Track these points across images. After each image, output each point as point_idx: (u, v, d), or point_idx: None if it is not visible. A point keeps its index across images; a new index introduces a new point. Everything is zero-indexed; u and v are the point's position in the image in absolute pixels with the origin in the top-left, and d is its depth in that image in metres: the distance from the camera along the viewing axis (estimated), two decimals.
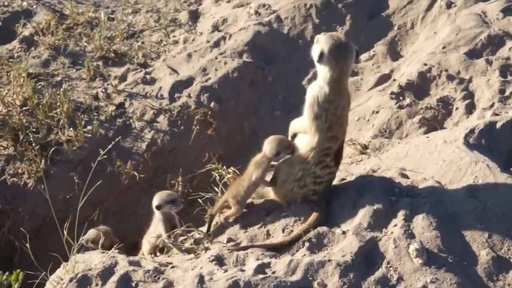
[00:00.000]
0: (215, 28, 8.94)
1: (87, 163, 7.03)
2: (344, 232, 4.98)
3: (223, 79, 8.06)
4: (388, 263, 4.75)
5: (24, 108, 7.58)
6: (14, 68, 7.97)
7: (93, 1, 9.70)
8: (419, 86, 7.53)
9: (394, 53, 8.48)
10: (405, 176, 5.68)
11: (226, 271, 4.74)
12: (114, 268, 4.92)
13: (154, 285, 4.72)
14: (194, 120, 7.74)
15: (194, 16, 9.34)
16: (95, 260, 5.04)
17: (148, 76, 8.21)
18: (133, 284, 4.76)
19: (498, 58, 7.58)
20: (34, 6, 9.33)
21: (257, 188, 5.44)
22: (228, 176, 5.87)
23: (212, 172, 5.98)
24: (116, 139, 6.89)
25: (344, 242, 4.88)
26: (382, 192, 5.26)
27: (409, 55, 8.30)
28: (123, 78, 8.22)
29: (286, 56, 8.50)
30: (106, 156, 6.14)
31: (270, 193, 5.49)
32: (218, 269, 4.76)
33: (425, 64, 7.68)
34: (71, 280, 4.80)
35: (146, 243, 5.77)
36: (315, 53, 5.08)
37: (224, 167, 5.98)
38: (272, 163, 5.41)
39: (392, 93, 7.47)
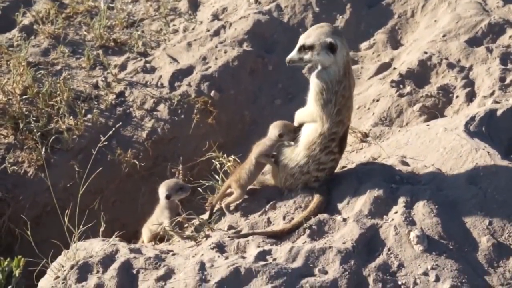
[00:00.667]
0: (215, 17, 8.92)
1: (87, 152, 7.04)
2: (344, 219, 4.99)
3: (223, 68, 8.05)
4: (389, 250, 4.76)
5: (24, 97, 7.57)
6: (14, 56, 7.95)
7: None
8: (420, 74, 7.53)
9: (395, 42, 8.46)
10: (405, 163, 5.68)
11: (227, 258, 4.75)
12: (115, 255, 4.93)
13: (155, 272, 4.73)
14: (194, 109, 7.73)
15: (194, 5, 9.31)
16: (96, 247, 5.05)
17: (148, 65, 8.19)
18: (134, 272, 4.77)
19: (498, 46, 7.58)
20: None
21: (260, 171, 5.44)
22: (229, 164, 5.87)
23: (213, 161, 5.98)
24: (117, 125, 6.89)
25: (345, 229, 4.89)
26: (383, 179, 5.27)
27: (409, 43, 8.28)
28: (123, 67, 8.21)
29: (286, 45, 8.44)
30: (106, 143, 6.14)
31: (271, 180, 5.49)
32: (219, 256, 4.77)
33: (426, 52, 7.67)
34: (72, 268, 4.82)
35: (147, 231, 5.77)
36: (324, 50, 5.05)
37: (225, 155, 5.98)
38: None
39: (392, 81, 7.46)
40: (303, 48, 5.11)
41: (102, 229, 5.33)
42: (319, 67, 5.13)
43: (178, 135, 7.66)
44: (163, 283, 4.64)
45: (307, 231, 4.95)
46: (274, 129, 5.38)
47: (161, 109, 7.73)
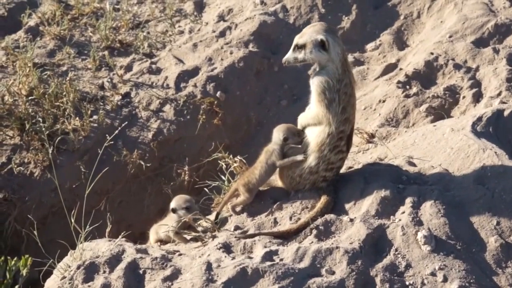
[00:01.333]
0: (221, 18, 8.92)
1: (93, 153, 7.04)
2: (351, 220, 4.97)
3: (229, 68, 8.04)
4: (396, 250, 4.74)
5: (30, 98, 7.58)
6: (20, 58, 7.96)
7: None
8: (426, 75, 7.51)
9: (401, 43, 8.45)
10: (412, 164, 5.66)
11: (233, 258, 4.74)
12: (121, 255, 4.92)
13: (162, 272, 4.72)
14: (200, 110, 7.73)
15: (200, 6, 9.32)
16: (102, 247, 5.05)
17: (153, 66, 8.20)
18: (141, 272, 4.77)
19: (505, 47, 7.56)
20: None
21: (270, 176, 5.40)
22: (235, 165, 5.86)
23: (219, 161, 5.98)
24: (123, 125, 6.90)
25: (352, 230, 4.87)
26: (390, 179, 5.25)
27: (416, 44, 8.27)
28: (128, 68, 8.22)
29: None
30: (112, 144, 6.14)
31: (278, 181, 5.48)
32: (225, 257, 4.76)
33: (432, 53, 7.65)
34: (78, 268, 4.81)
35: (154, 233, 5.76)
36: (316, 47, 5.08)
37: (231, 156, 5.97)
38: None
39: (398, 82, 7.45)
40: (297, 48, 5.16)
41: (108, 229, 5.33)
42: (317, 68, 5.16)
43: (184, 136, 7.65)
44: (170, 283, 4.63)
45: (314, 232, 4.94)
46: (278, 133, 5.35)
47: (167, 110, 7.73)
